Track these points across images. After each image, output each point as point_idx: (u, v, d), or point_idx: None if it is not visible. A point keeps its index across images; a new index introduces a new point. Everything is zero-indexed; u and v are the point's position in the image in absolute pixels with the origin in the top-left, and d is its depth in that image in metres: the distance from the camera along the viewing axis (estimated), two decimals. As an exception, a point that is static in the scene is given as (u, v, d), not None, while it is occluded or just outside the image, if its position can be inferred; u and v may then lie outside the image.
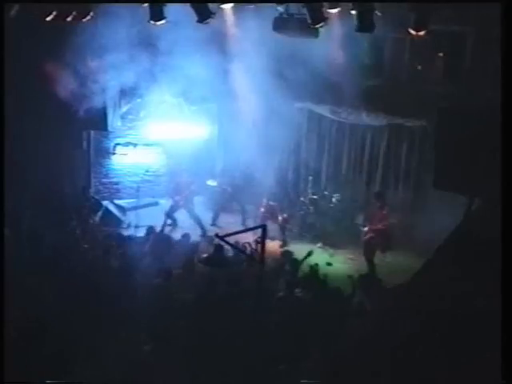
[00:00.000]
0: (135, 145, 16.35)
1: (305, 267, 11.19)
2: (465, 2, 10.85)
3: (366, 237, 13.20)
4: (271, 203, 14.62)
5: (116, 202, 16.23)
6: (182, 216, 15.08)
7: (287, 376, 8.01)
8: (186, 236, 12.56)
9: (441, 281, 7.19)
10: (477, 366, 6.24)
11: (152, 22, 11.25)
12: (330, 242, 14.39)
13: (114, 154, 16.39)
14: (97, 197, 15.76)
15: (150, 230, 12.72)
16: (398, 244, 13.49)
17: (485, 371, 6.12)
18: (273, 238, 13.84)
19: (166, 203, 16.01)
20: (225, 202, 15.68)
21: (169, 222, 14.93)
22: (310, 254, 11.49)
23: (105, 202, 15.56)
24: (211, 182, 16.32)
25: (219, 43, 13.73)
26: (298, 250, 12.88)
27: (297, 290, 10.14)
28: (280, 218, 14.54)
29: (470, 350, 6.37)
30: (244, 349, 8.29)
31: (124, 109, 15.79)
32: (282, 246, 14.05)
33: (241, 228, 13.56)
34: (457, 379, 6.32)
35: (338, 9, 10.81)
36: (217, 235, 9.87)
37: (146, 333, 8.55)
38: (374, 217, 13.19)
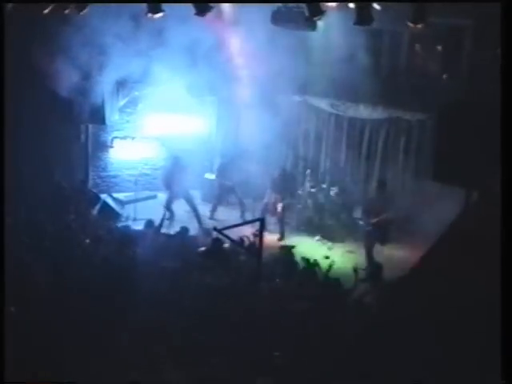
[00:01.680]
0: (133, 138, 16.31)
1: (302, 260, 11.21)
2: (465, 1, 10.86)
3: (365, 230, 13.20)
4: (275, 195, 14.55)
5: (114, 195, 16.20)
6: (178, 209, 15.05)
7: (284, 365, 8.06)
8: (184, 229, 12.52)
9: (440, 274, 7.19)
10: (477, 365, 6.25)
11: (150, 14, 11.25)
12: (328, 235, 14.39)
13: (112, 147, 16.33)
14: (95, 190, 15.73)
15: (149, 223, 12.67)
16: (396, 237, 13.51)
17: (485, 371, 6.13)
18: (271, 232, 13.83)
19: (163, 196, 16.00)
20: (223, 195, 15.66)
21: (167, 215, 14.85)
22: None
23: (103, 196, 15.53)
24: (209, 176, 16.31)
25: (219, 35, 13.68)
26: (296, 243, 12.92)
27: (293, 283, 10.16)
28: (279, 210, 14.50)
29: (469, 349, 6.38)
30: (241, 341, 8.33)
31: (122, 102, 15.76)
32: (279, 240, 14.07)
33: (239, 221, 13.58)
34: (457, 379, 6.33)
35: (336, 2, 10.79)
36: (215, 228, 9.89)
37: (147, 329, 8.56)
38: (372, 210, 13.18)
